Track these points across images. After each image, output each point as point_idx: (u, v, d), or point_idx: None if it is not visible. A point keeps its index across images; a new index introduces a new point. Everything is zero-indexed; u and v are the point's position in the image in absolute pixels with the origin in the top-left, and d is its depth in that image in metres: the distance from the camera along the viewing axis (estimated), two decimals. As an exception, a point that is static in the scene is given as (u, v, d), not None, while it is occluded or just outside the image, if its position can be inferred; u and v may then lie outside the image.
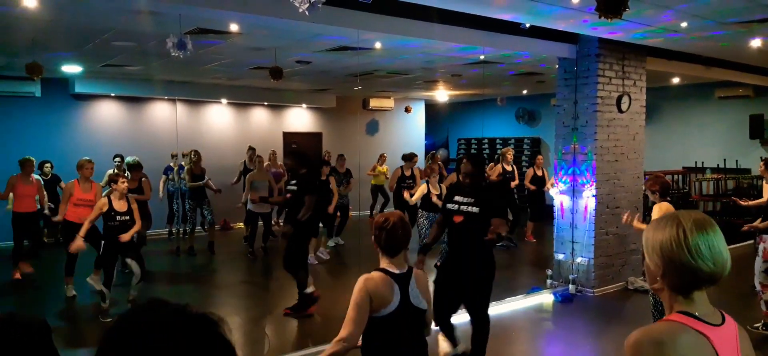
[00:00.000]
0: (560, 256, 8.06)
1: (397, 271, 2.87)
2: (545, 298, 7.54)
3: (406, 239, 2.94)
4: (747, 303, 6.77)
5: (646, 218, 5.94)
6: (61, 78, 11.15)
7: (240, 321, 6.84)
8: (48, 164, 10.18)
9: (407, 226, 2.94)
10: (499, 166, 11.01)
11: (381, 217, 2.96)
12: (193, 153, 10.21)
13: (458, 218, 4.80)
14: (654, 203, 5.78)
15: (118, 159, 10.43)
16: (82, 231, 6.58)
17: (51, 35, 7.21)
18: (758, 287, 6.29)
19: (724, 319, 1.61)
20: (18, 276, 8.28)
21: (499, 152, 12.82)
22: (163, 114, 12.85)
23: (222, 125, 13.64)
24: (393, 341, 2.85)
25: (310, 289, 6.76)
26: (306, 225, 6.82)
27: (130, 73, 10.48)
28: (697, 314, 1.56)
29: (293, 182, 6.94)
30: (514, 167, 11.30)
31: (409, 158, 10.41)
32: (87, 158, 7.82)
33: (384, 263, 2.91)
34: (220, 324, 1.05)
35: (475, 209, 4.75)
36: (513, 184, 11.12)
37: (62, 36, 7.29)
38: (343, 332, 2.75)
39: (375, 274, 2.86)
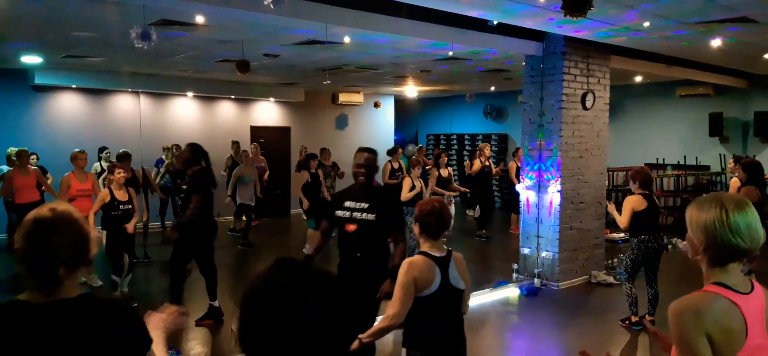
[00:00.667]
0: (526, 250, 8.17)
1: (438, 254, 3.11)
2: (511, 292, 7.65)
3: (449, 224, 3.22)
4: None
5: (619, 211, 6.16)
6: (21, 69, 10.82)
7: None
8: (33, 156, 9.91)
9: (447, 211, 3.20)
10: (477, 161, 11.20)
11: (426, 204, 3.19)
12: (174, 147, 10.11)
13: (351, 227, 4.12)
14: (632, 193, 6.05)
15: (107, 152, 10.22)
16: (91, 222, 6.58)
17: (9, 25, 6.98)
18: None
19: (752, 287, 1.85)
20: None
21: (477, 147, 13.01)
22: (127, 107, 12.58)
23: (188, 119, 13.42)
24: (434, 318, 3.09)
25: (216, 303, 6.32)
26: (196, 228, 6.08)
27: (92, 64, 10.23)
28: (729, 284, 1.80)
29: (185, 179, 6.36)
30: (490, 162, 11.56)
31: (394, 151, 10.70)
32: (80, 149, 7.92)
33: (425, 246, 3.14)
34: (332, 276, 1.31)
35: (370, 216, 4.08)
36: (495, 175, 11.43)
37: (21, 26, 7.07)
38: (391, 310, 3.04)
39: (417, 258, 3.09)
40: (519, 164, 11.20)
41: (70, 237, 1.70)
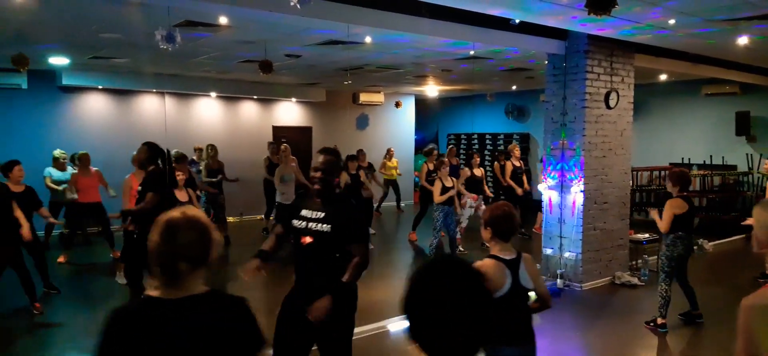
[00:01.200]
0: (548, 251, 8.11)
1: (507, 257, 3.16)
2: (533, 292, 7.58)
3: (518, 226, 3.27)
4: (744, 293, 6.86)
5: (642, 211, 6.11)
6: (49, 70, 11.04)
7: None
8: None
9: (516, 213, 3.27)
10: (509, 163, 11.10)
11: (497, 208, 3.23)
12: (209, 147, 10.23)
13: (306, 240, 3.54)
14: (671, 195, 5.99)
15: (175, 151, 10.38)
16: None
17: (38, 27, 7.13)
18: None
19: None
20: (62, 259, 8.95)
21: (505, 148, 12.96)
22: (152, 107, 12.77)
23: (211, 119, 13.57)
24: (505, 318, 3.12)
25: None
26: (146, 225, 5.86)
27: (118, 65, 10.40)
28: None
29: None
30: (522, 163, 11.45)
31: (430, 153, 10.84)
32: (83, 151, 8.20)
33: (495, 249, 3.18)
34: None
35: (325, 228, 3.50)
36: (524, 180, 11.28)
37: (49, 27, 7.21)
38: None
39: (487, 261, 3.14)
40: (516, 164, 11.17)
41: (195, 237, 1.84)
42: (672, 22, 6.37)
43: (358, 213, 4.56)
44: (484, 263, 3.12)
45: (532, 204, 11.80)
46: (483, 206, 9.99)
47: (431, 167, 10.45)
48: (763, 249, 2.12)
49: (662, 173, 12.78)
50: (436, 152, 10.97)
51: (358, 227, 3.66)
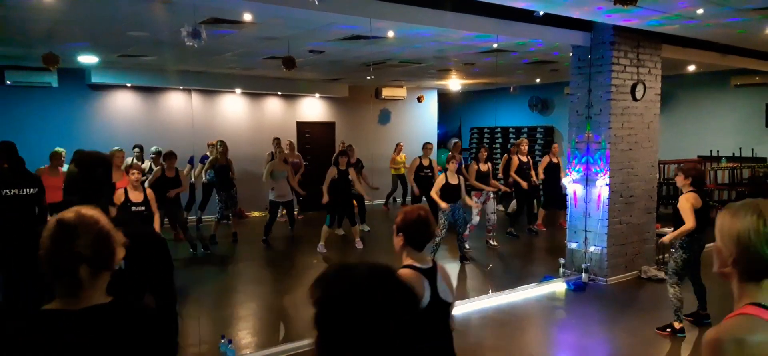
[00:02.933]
0: (573, 245, 8.05)
1: (423, 266, 2.82)
2: (558, 287, 7.55)
3: (433, 233, 2.90)
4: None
5: (669, 204, 5.88)
6: (78, 68, 11.27)
7: (255, 307, 6.93)
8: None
9: (432, 219, 2.90)
10: (516, 157, 11.01)
11: (411, 212, 2.87)
12: (219, 143, 10.37)
13: None
14: (681, 191, 5.76)
15: (137, 149, 10.58)
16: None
17: (67, 26, 7.28)
18: None
19: None
20: None
21: (512, 143, 12.84)
22: (179, 104, 12.96)
23: (236, 115, 13.73)
24: (423, 335, 2.77)
25: None
26: None
27: (145, 63, 10.57)
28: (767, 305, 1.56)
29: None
30: (529, 158, 11.30)
31: (424, 147, 10.77)
32: (117, 147, 8.06)
33: (409, 259, 2.84)
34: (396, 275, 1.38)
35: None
36: (533, 176, 11.10)
37: (78, 26, 7.37)
38: None
39: (405, 272, 2.75)
40: (553, 160, 11.04)
41: (92, 239, 1.62)
42: (700, 11, 6.26)
43: None
44: (401, 274, 2.78)
45: (539, 198, 11.73)
46: (490, 200, 9.89)
47: (426, 162, 10.45)
48: (725, 270, 1.63)
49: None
50: (431, 147, 10.94)
51: None
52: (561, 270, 7.91)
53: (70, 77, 11.36)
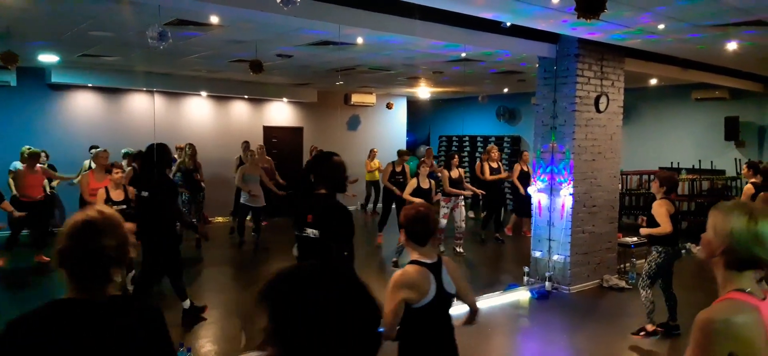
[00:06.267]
0: (537, 253, 8.14)
1: (429, 261, 2.97)
2: (522, 295, 7.62)
3: (435, 228, 3.05)
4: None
5: (631, 215, 5.98)
6: (38, 67, 10.96)
7: (217, 314, 6.80)
8: (43, 153, 10.04)
9: (432, 214, 3.06)
10: (486, 164, 11.13)
11: (411, 209, 3.03)
12: (188, 147, 10.18)
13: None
14: (655, 198, 5.91)
15: (93, 150, 10.32)
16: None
17: (27, 24, 7.08)
18: None
19: (766, 296, 1.86)
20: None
21: (483, 150, 12.98)
22: (141, 106, 12.70)
23: (201, 118, 13.52)
24: (430, 327, 2.96)
25: None
26: None
27: (107, 63, 10.34)
28: (748, 290, 1.82)
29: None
30: (501, 164, 11.47)
31: (402, 153, 10.93)
32: (103, 149, 8.11)
33: (415, 255, 2.99)
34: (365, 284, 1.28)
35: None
36: (504, 177, 11.39)
37: (38, 25, 7.17)
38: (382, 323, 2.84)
39: (409, 268, 2.93)
40: (523, 168, 11.17)
41: (117, 239, 1.79)
42: (661, 27, 6.41)
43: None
44: (407, 270, 2.93)
45: (506, 206, 11.87)
46: (461, 206, 9.97)
47: (399, 168, 10.52)
48: (714, 257, 1.91)
49: (651, 177, 12.84)
50: (407, 156, 11.09)
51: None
52: (525, 278, 7.98)
53: (30, 76, 11.05)
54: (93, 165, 8.48)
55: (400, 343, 2.98)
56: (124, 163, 9.53)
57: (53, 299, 1.76)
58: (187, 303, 6.46)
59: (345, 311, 1.20)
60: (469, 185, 10.40)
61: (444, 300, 2.98)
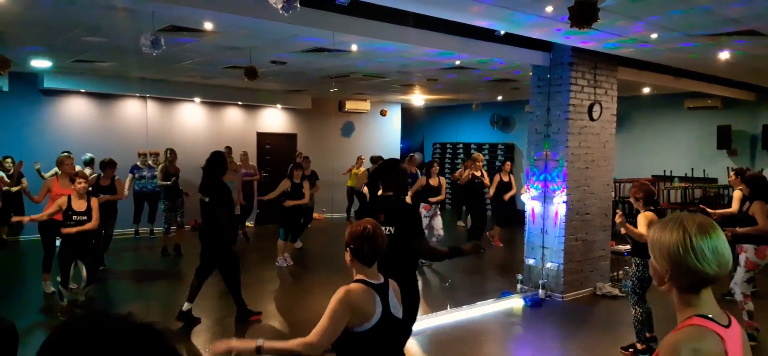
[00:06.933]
0: (530, 261, 8.14)
1: (375, 282, 2.74)
2: (515, 302, 7.61)
3: (380, 248, 2.77)
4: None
5: (629, 221, 5.85)
6: (30, 73, 10.90)
7: (197, 325, 6.75)
8: (9, 160, 9.89)
9: (381, 233, 2.80)
10: (468, 171, 11.09)
11: (357, 226, 2.78)
12: (169, 151, 10.12)
13: None
14: (638, 211, 5.80)
15: (65, 153, 10.17)
16: (35, 218, 6.87)
17: (20, 29, 7.04)
18: (740, 297, 6.35)
19: (730, 321, 1.70)
20: None
21: (470, 157, 12.98)
22: (134, 112, 12.64)
23: (194, 124, 13.48)
24: (374, 354, 2.73)
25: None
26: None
27: (101, 69, 10.30)
28: (710, 316, 1.65)
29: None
30: (484, 172, 11.39)
31: (375, 160, 10.92)
32: (67, 153, 7.88)
33: (361, 274, 2.75)
34: (164, 334, 1.00)
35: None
36: (486, 189, 11.26)
37: (31, 30, 7.13)
38: (312, 338, 2.59)
39: (356, 286, 2.69)
40: (504, 178, 11.20)
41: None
42: (654, 36, 6.45)
43: None
44: (352, 288, 2.67)
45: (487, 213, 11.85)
46: (438, 216, 9.93)
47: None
48: (663, 286, 1.70)
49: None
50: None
51: None
52: (519, 285, 7.98)
53: (22, 82, 10.99)
54: (58, 171, 8.21)
55: None
56: (87, 170, 9.42)
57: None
58: (186, 306, 6.50)
59: None
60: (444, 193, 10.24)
61: (390, 325, 2.72)
